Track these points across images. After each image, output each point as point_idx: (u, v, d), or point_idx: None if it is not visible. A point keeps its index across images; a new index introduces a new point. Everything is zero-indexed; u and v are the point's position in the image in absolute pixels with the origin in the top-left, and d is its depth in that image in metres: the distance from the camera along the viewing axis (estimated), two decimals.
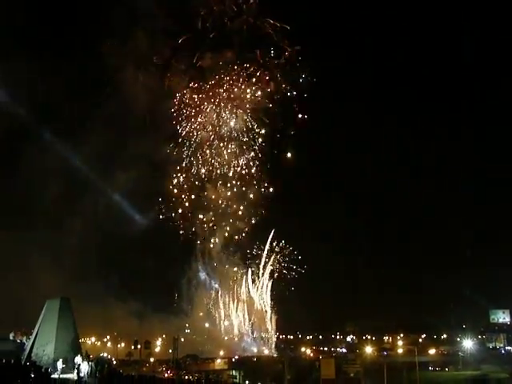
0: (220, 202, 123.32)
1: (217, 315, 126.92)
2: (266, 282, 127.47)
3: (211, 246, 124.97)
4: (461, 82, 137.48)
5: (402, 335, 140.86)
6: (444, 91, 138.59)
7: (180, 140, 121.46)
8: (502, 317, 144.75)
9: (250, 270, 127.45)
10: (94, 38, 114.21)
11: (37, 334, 65.23)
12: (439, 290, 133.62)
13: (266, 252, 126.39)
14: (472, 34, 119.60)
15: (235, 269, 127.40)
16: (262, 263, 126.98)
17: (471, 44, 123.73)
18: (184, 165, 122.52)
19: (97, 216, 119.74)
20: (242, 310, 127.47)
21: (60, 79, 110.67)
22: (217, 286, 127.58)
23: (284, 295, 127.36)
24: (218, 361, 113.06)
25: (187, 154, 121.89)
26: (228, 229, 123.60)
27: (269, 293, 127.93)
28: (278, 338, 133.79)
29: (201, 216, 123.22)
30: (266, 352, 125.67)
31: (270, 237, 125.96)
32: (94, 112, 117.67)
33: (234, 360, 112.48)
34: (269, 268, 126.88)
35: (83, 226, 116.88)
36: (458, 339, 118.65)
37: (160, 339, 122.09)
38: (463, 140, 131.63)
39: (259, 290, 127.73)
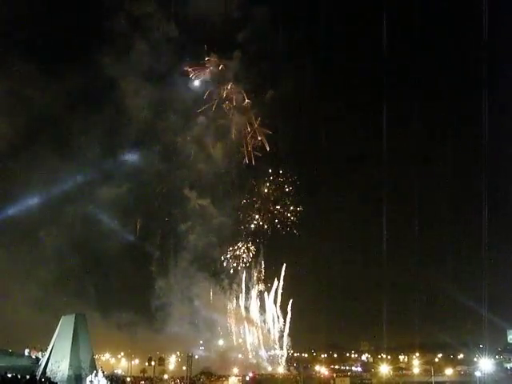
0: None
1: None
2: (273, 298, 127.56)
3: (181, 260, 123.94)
4: None
5: (417, 354, 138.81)
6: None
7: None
8: None
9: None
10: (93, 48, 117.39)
11: (52, 349, 65.73)
12: (456, 309, 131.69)
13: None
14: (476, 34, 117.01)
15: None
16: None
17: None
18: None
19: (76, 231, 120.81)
20: (253, 327, 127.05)
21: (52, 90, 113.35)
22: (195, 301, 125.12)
23: (298, 313, 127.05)
24: (232, 378, 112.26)
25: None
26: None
27: (275, 309, 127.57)
28: (292, 355, 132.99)
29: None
30: (281, 370, 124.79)
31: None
32: (87, 125, 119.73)
33: (247, 378, 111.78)
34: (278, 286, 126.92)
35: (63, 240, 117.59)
36: (475, 359, 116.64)
37: (174, 356, 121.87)
38: None
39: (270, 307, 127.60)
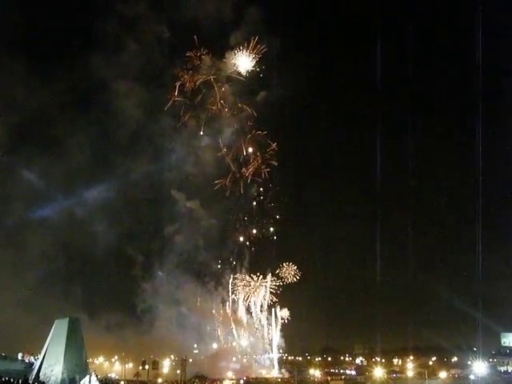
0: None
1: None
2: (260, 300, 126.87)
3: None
4: None
5: (411, 357, 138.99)
6: None
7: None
8: None
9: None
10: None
11: (45, 353, 65.30)
12: (450, 312, 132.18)
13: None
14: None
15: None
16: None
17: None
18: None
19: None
20: (244, 331, 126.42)
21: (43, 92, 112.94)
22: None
23: (292, 317, 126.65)
24: (226, 382, 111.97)
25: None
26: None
27: (264, 314, 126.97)
28: (286, 359, 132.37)
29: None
30: (275, 374, 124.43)
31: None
32: (76, 126, 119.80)
33: (242, 382, 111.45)
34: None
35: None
36: (469, 362, 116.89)
37: (168, 359, 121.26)
38: None
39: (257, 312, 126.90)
